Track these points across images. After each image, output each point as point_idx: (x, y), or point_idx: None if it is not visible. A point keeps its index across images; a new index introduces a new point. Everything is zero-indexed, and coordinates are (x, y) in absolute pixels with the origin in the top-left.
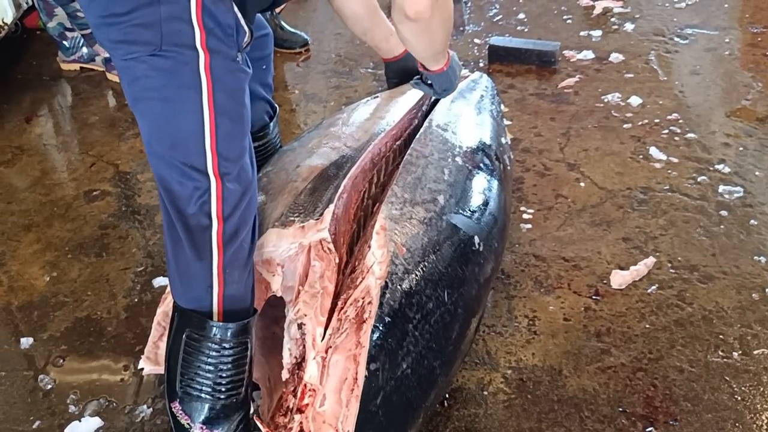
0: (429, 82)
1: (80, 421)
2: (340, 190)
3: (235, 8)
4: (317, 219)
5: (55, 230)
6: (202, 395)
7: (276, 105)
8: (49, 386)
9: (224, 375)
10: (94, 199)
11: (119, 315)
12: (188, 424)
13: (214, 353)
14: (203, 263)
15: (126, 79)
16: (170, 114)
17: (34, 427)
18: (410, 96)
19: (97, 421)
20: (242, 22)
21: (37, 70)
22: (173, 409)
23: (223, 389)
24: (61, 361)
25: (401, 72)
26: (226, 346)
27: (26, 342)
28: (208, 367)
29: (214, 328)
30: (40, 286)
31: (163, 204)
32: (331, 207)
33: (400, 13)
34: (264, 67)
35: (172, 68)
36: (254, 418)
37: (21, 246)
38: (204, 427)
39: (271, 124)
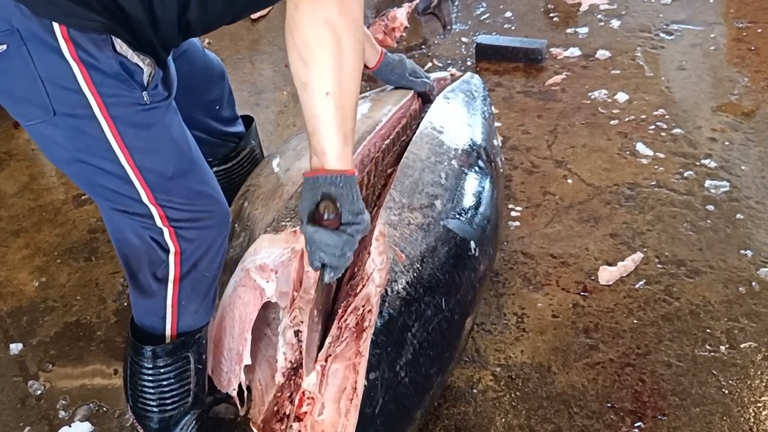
0: None
1: (71, 426)
2: None
3: (122, 48)
4: None
5: (44, 235)
6: (149, 409)
7: (242, 129)
8: (39, 392)
9: (166, 390)
10: (83, 203)
11: (109, 319)
12: None
13: (151, 373)
14: (157, 298)
15: (38, 144)
16: (93, 174)
17: None
18: (398, 96)
19: (87, 426)
20: (134, 60)
21: None
22: (132, 419)
23: (168, 402)
24: (51, 366)
25: (387, 79)
26: (161, 365)
27: (16, 348)
28: (149, 386)
29: (147, 351)
30: (29, 292)
31: (116, 238)
32: None
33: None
34: (217, 107)
35: (75, 132)
36: (252, 425)
37: (10, 251)
38: None
39: (242, 143)
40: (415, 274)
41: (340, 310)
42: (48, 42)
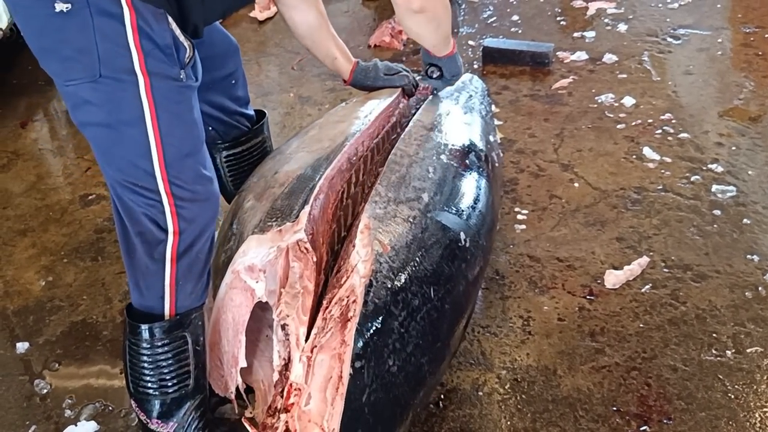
0: (436, 75)
1: (76, 425)
2: (315, 192)
3: (173, 25)
4: (293, 221)
5: (51, 235)
6: (150, 392)
7: (253, 114)
8: (45, 391)
9: (166, 371)
10: (90, 203)
11: (115, 319)
12: (145, 419)
13: (149, 353)
14: (156, 278)
15: (69, 104)
16: (116, 140)
17: (30, 431)
18: (384, 95)
19: (93, 425)
20: (181, 38)
21: (32, 74)
22: (132, 406)
23: (169, 384)
24: (57, 365)
25: (364, 85)
26: (158, 344)
27: (22, 347)
28: (149, 366)
29: (144, 331)
30: (35, 291)
31: (118, 215)
32: (307, 208)
33: (406, 9)
34: (233, 82)
35: (113, 96)
36: (244, 421)
37: (16, 251)
38: (159, 422)
39: (254, 131)
40: (401, 265)
41: (324, 302)
42: (111, 6)
